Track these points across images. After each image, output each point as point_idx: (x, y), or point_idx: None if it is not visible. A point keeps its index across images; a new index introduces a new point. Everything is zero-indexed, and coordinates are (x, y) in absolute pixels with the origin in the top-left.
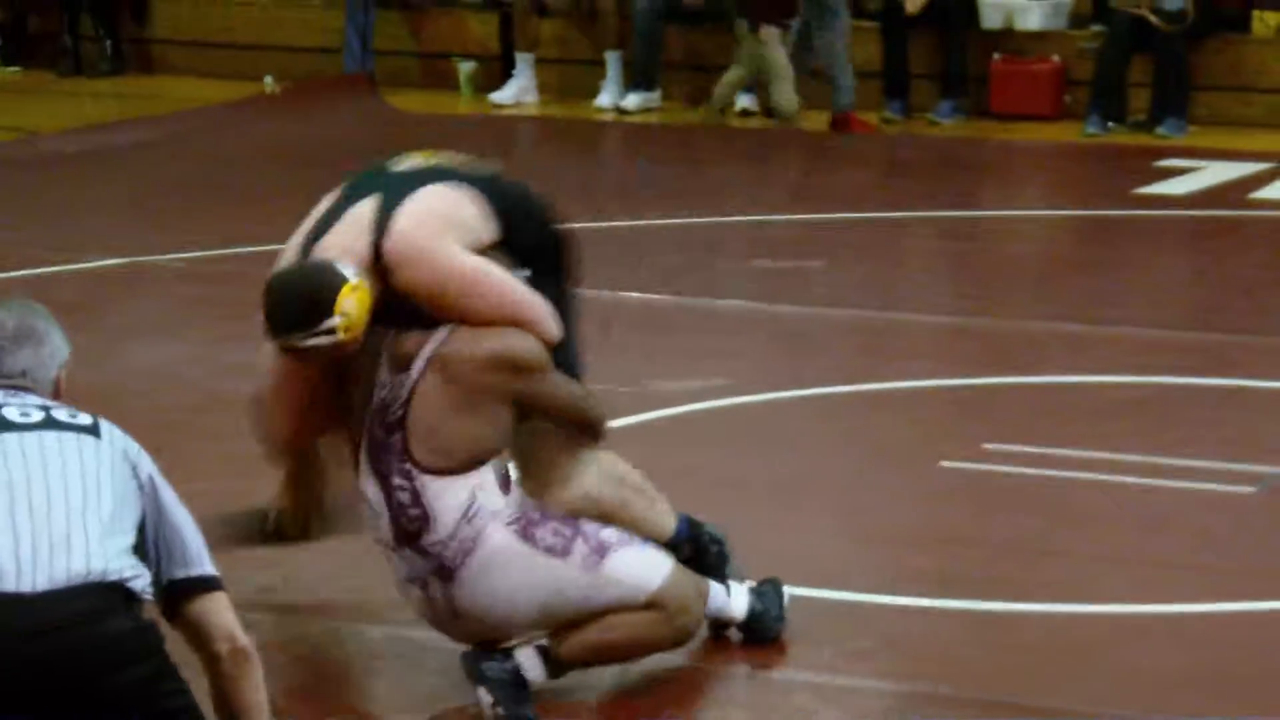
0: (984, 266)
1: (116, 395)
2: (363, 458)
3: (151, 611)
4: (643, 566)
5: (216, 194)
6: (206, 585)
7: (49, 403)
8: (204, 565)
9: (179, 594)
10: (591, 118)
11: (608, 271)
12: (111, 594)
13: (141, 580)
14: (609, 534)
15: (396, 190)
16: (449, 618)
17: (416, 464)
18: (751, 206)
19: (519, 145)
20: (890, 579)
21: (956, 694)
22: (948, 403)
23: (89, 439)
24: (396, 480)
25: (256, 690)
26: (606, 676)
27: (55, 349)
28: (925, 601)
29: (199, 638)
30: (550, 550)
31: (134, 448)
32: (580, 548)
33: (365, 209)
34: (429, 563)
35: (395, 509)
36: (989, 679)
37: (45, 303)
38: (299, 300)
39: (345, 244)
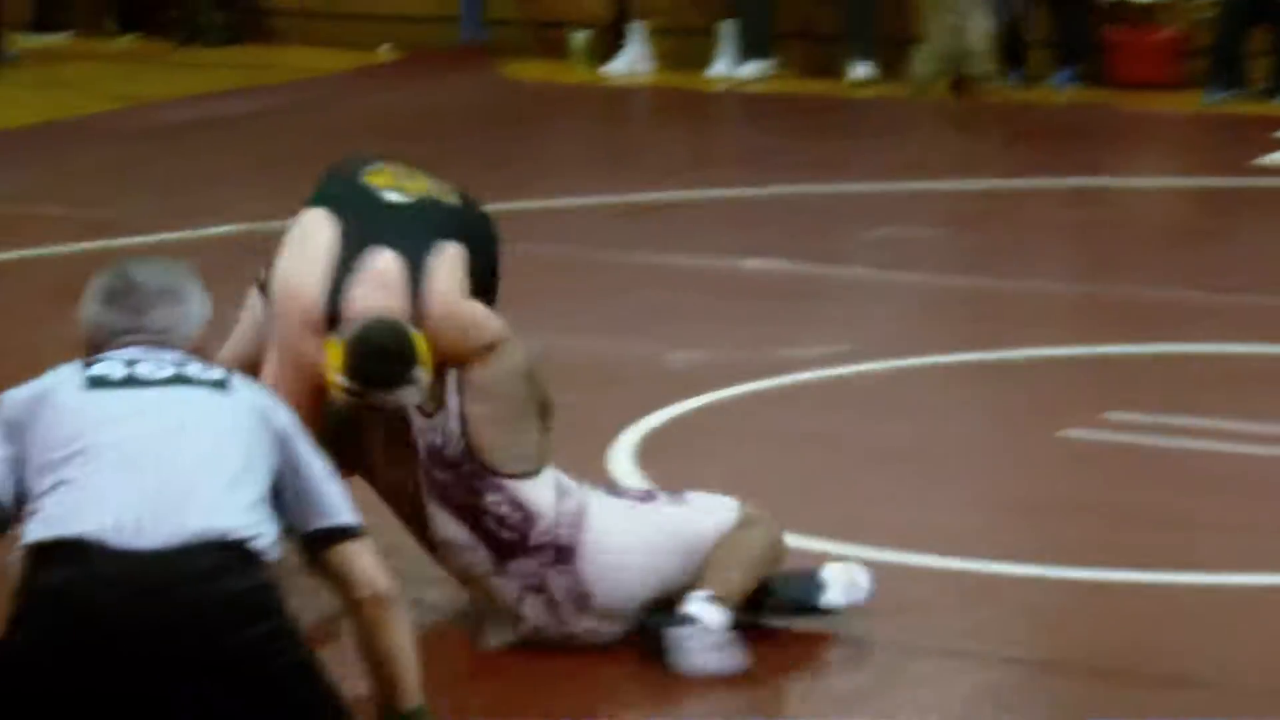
0: (1104, 235)
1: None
2: (432, 508)
3: (273, 570)
4: (714, 497)
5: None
6: (345, 534)
7: (183, 359)
8: (342, 514)
9: (318, 544)
10: (705, 88)
11: (726, 240)
12: (230, 552)
13: (263, 539)
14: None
15: (413, 246)
16: (579, 604)
17: (504, 475)
18: (871, 175)
19: (632, 115)
20: (1012, 547)
21: (1079, 662)
22: (1069, 371)
23: (218, 394)
24: (490, 498)
25: (399, 636)
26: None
27: (196, 308)
28: (1046, 570)
29: (341, 586)
30: (641, 499)
31: (266, 402)
32: (659, 494)
33: (389, 266)
34: (543, 556)
35: (490, 529)
36: (1112, 648)
37: None
38: (393, 355)
39: (386, 303)
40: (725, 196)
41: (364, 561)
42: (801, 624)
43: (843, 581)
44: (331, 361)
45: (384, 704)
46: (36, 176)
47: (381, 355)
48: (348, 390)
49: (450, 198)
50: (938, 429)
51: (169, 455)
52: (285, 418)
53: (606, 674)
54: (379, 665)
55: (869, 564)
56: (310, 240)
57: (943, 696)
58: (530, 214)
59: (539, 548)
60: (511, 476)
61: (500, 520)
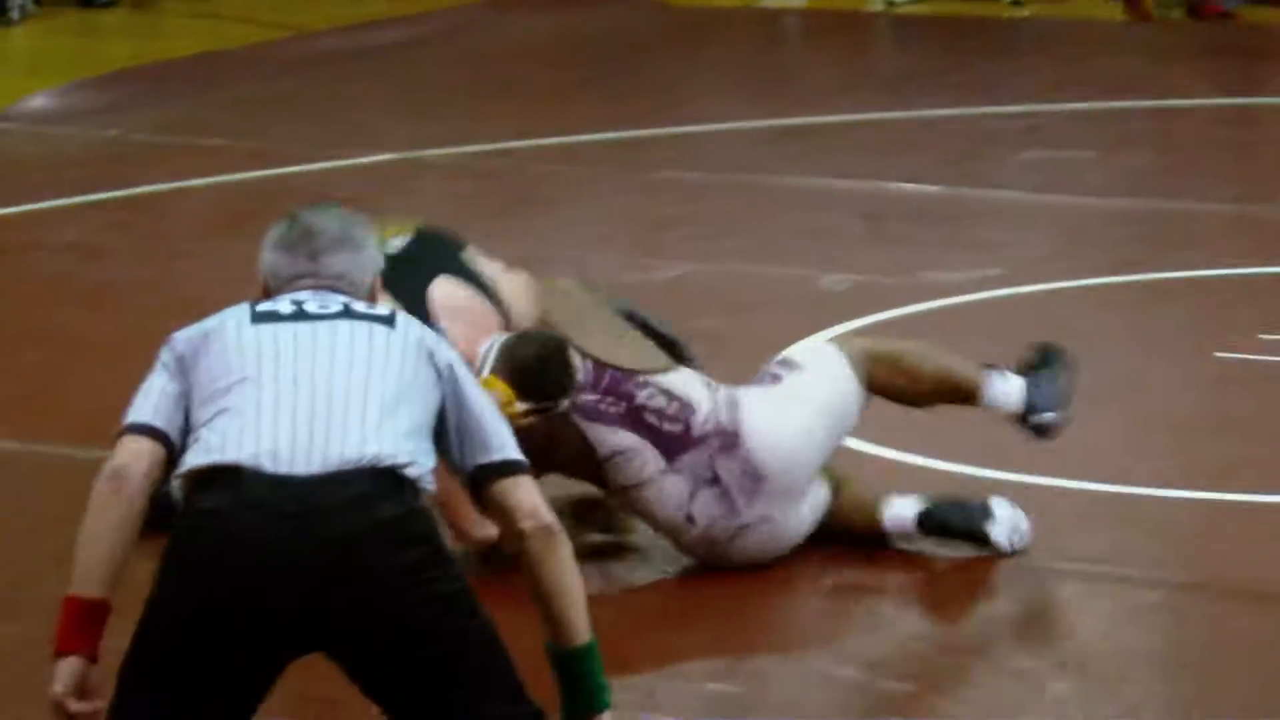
0: (1264, 155)
1: None
2: (594, 431)
3: (427, 499)
4: (811, 351)
5: (483, 90)
6: (510, 469)
7: (351, 299)
8: (506, 451)
9: (483, 480)
10: (859, 9)
11: (878, 163)
12: (384, 479)
13: (418, 467)
14: None
15: (440, 265)
16: (753, 488)
17: (641, 372)
18: (1024, 96)
19: (784, 38)
20: (1165, 470)
21: (1227, 584)
22: (1224, 292)
23: (382, 327)
24: (642, 394)
25: (563, 570)
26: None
27: (371, 256)
28: (1199, 493)
29: (505, 519)
30: (770, 382)
31: (431, 336)
32: (772, 371)
33: (448, 291)
34: (709, 446)
35: (652, 424)
36: (1260, 570)
37: (321, 198)
38: (554, 361)
39: (476, 324)
40: (878, 119)
41: (528, 494)
42: (946, 549)
43: (1009, 522)
44: (503, 396)
45: (552, 641)
46: (194, 107)
47: (545, 366)
48: (534, 412)
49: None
50: (1090, 352)
51: (326, 383)
52: (451, 354)
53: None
54: (545, 601)
55: (1020, 487)
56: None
57: (1091, 618)
58: (680, 138)
59: (704, 437)
60: (647, 372)
61: (659, 413)
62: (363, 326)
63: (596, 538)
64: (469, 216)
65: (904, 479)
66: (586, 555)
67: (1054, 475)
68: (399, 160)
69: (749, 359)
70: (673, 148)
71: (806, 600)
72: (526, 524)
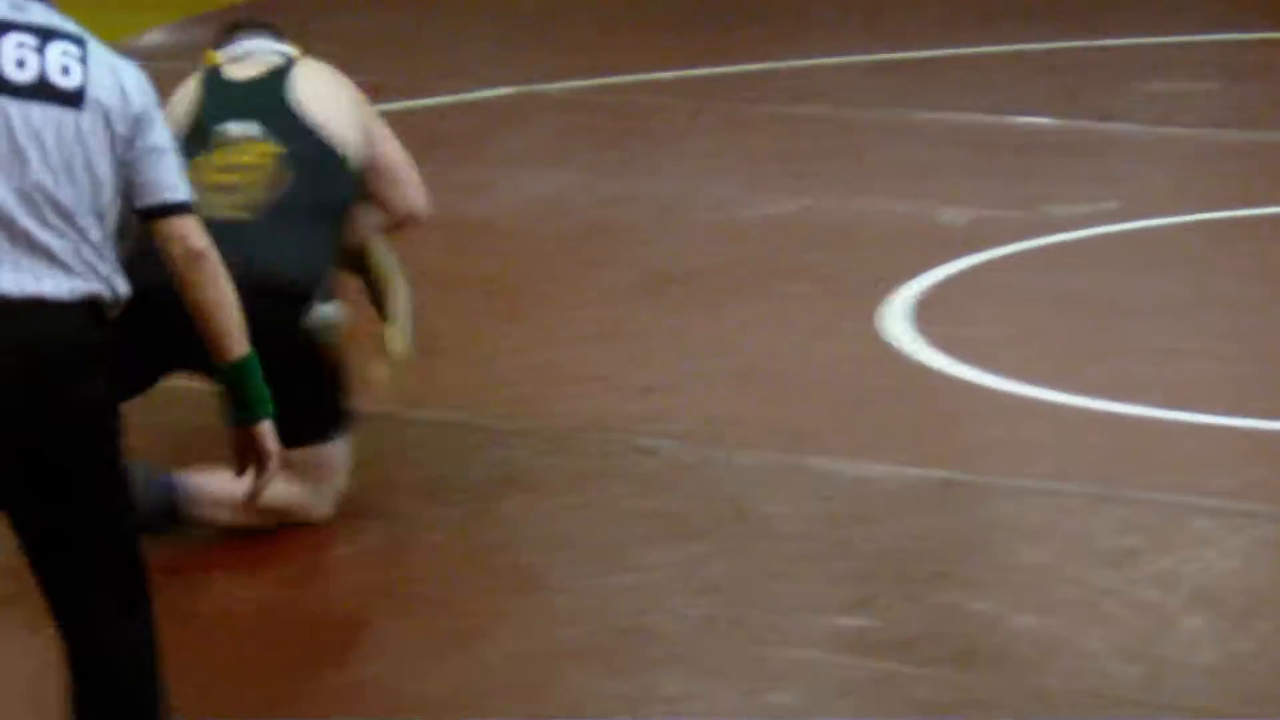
0: None
1: (502, 224)
2: None
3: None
4: None
5: (591, 23)
6: (174, 209)
7: (45, 21)
8: (170, 192)
9: (149, 222)
10: None
11: (991, 96)
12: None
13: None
14: None
15: None
16: None
17: None
18: (1141, 28)
19: None
20: None
21: None
22: None
23: (71, 115)
24: None
25: (213, 289)
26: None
27: None
28: None
29: (164, 252)
30: None
31: (117, 93)
32: None
33: None
34: None
35: None
36: None
37: (431, 134)
38: None
39: None
40: (989, 52)
41: (181, 224)
42: (1064, 483)
43: None
44: None
45: (215, 359)
46: (302, 42)
47: None
48: None
49: None
50: (1209, 286)
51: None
52: (140, 103)
53: None
54: (199, 319)
55: (1141, 422)
56: None
57: (1220, 552)
58: (790, 73)
59: None
60: None
61: None
62: (53, 116)
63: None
64: (579, 150)
65: (1037, 414)
66: None
67: (1184, 410)
68: (509, 95)
69: (868, 297)
70: (780, 82)
71: (930, 535)
72: (177, 250)
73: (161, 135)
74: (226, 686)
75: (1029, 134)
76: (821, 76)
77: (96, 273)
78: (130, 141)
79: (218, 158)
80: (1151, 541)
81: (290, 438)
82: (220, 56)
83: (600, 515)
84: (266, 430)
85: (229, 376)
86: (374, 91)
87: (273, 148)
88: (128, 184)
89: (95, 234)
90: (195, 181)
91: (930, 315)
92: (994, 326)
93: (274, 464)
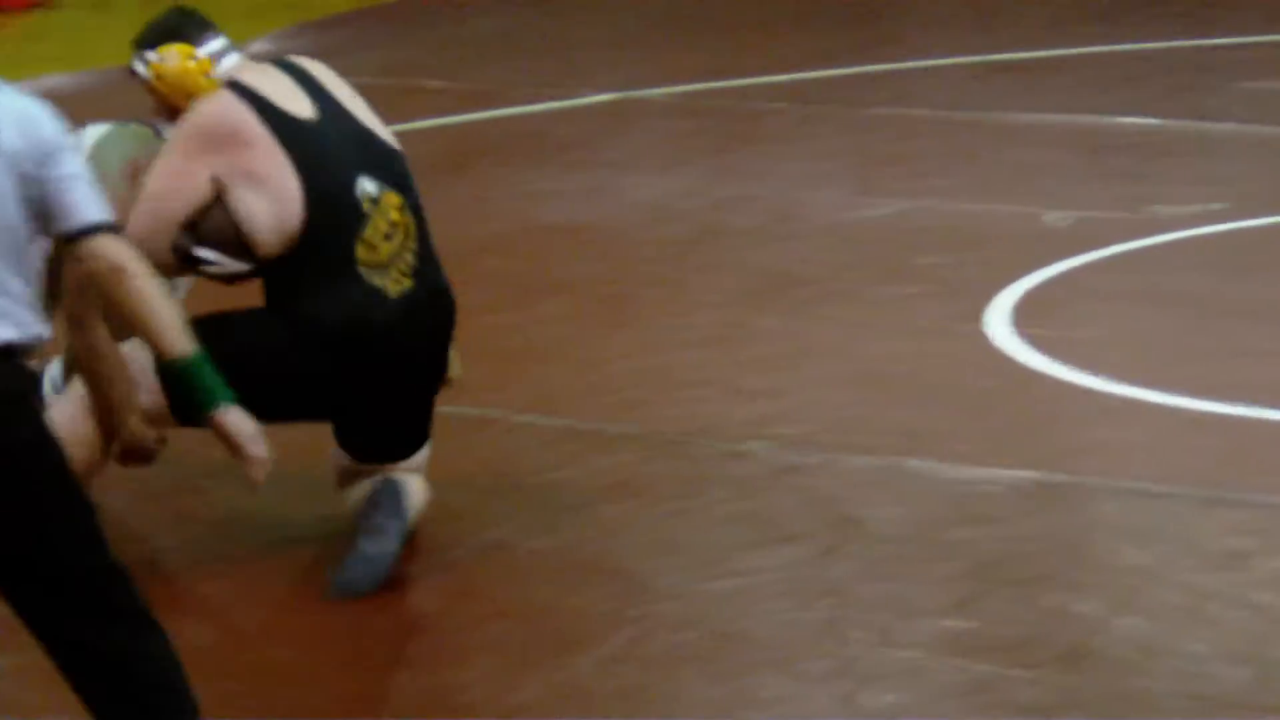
0: None
1: (612, 229)
2: None
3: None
4: None
5: (699, 27)
6: (94, 230)
7: None
8: (89, 214)
9: (68, 248)
10: None
11: (1096, 97)
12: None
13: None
14: None
15: None
16: None
17: None
18: (1247, 27)
19: None
20: None
21: None
22: None
23: None
24: None
25: (144, 297)
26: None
27: None
28: None
29: (86, 273)
30: None
31: (22, 137)
32: None
33: None
34: None
35: None
36: None
37: (543, 139)
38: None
39: None
40: (1094, 52)
41: (104, 244)
42: (1169, 485)
43: None
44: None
45: (161, 359)
46: (413, 49)
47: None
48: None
49: None
50: None
51: None
52: (49, 139)
53: None
54: (140, 328)
55: (1247, 423)
56: None
57: None
58: (896, 74)
59: None
60: None
61: None
62: None
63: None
64: (688, 154)
65: (1142, 416)
66: None
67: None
68: (617, 100)
69: (973, 298)
70: (889, 84)
71: (1033, 538)
72: (100, 266)
73: (73, 164)
74: (323, 689)
75: (1135, 135)
76: (931, 78)
77: (17, 319)
78: (39, 177)
79: (379, 223)
80: (1261, 544)
81: None
82: (235, 77)
83: (703, 520)
84: (229, 418)
85: (173, 373)
86: (483, 99)
87: (397, 196)
88: (44, 216)
89: (15, 283)
90: (372, 262)
91: (1036, 317)
92: (1099, 328)
93: (253, 447)
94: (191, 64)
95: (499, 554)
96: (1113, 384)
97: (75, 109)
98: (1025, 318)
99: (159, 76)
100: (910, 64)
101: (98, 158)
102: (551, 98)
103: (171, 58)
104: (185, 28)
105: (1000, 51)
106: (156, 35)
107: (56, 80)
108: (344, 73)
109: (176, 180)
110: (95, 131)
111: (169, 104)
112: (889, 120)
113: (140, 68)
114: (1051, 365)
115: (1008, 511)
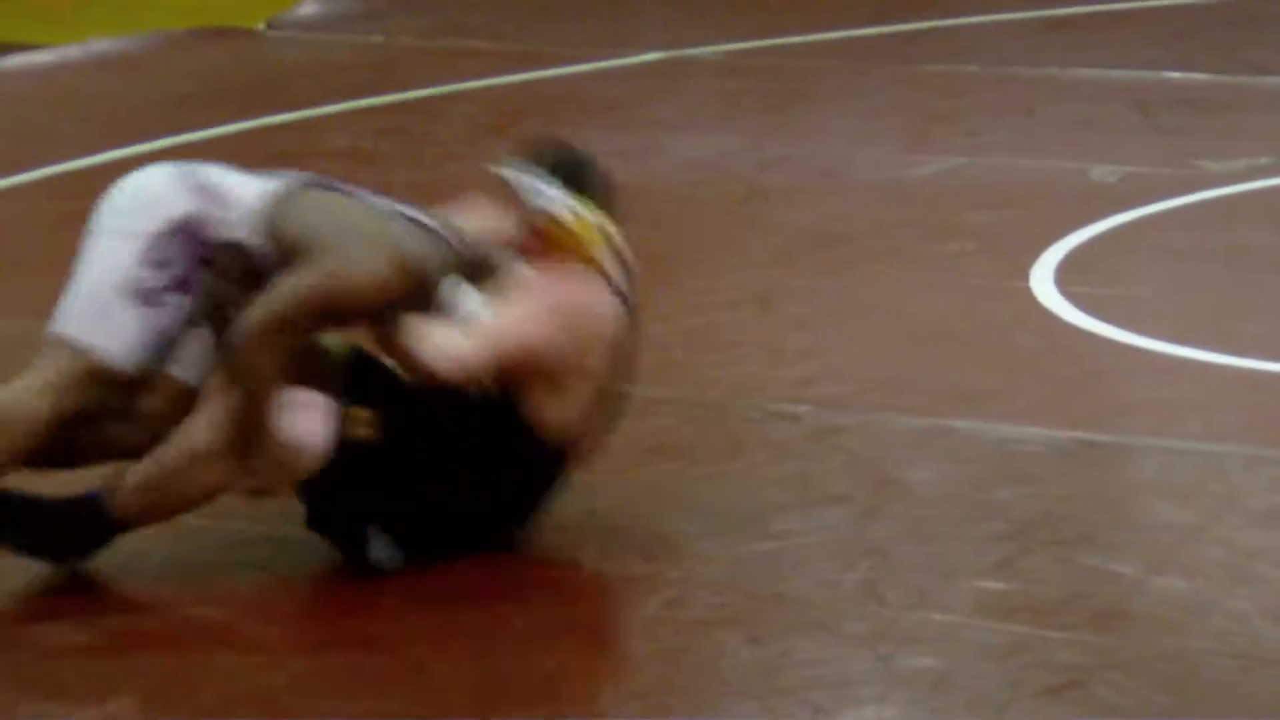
0: None
1: (659, 189)
2: None
3: None
4: None
5: None
6: None
7: None
8: None
9: None
10: None
11: (1146, 52)
12: None
13: None
14: None
15: None
16: None
17: None
18: None
19: None
20: None
21: None
22: None
23: None
24: None
25: None
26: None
27: None
28: None
29: None
30: None
31: None
32: None
33: None
34: None
35: None
36: None
37: (588, 100)
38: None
39: None
40: (1143, 7)
41: None
42: (1215, 443)
43: None
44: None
45: None
46: (457, 10)
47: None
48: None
49: None
50: None
51: None
52: None
53: None
54: None
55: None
56: None
57: None
58: (946, 31)
59: None
60: None
61: None
62: None
63: None
64: (736, 113)
65: (1188, 374)
66: None
67: None
68: (666, 59)
69: (1020, 255)
70: (938, 41)
71: (1076, 497)
72: None
73: None
74: (370, 652)
75: (1184, 89)
76: (981, 34)
77: None
78: None
79: None
80: (1262, 501)
81: None
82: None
83: (743, 482)
84: None
85: None
86: (530, 59)
87: None
88: None
89: None
90: None
91: (1082, 275)
92: (1145, 285)
93: None
94: (590, 231)
95: (539, 519)
96: (1159, 342)
97: (123, 73)
98: (1072, 275)
99: (556, 224)
100: (961, 20)
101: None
102: (598, 58)
103: (579, 215)
104: (594, 183)
105: (1051, 7)
106: (573, 178)
107: (104, 44)
108: (389, 34)
109: (521, 334)
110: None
111: (534, 247)
112: (939, 77)
113: (538, 200)
114: (1097, 323)
115: (1050, 471)
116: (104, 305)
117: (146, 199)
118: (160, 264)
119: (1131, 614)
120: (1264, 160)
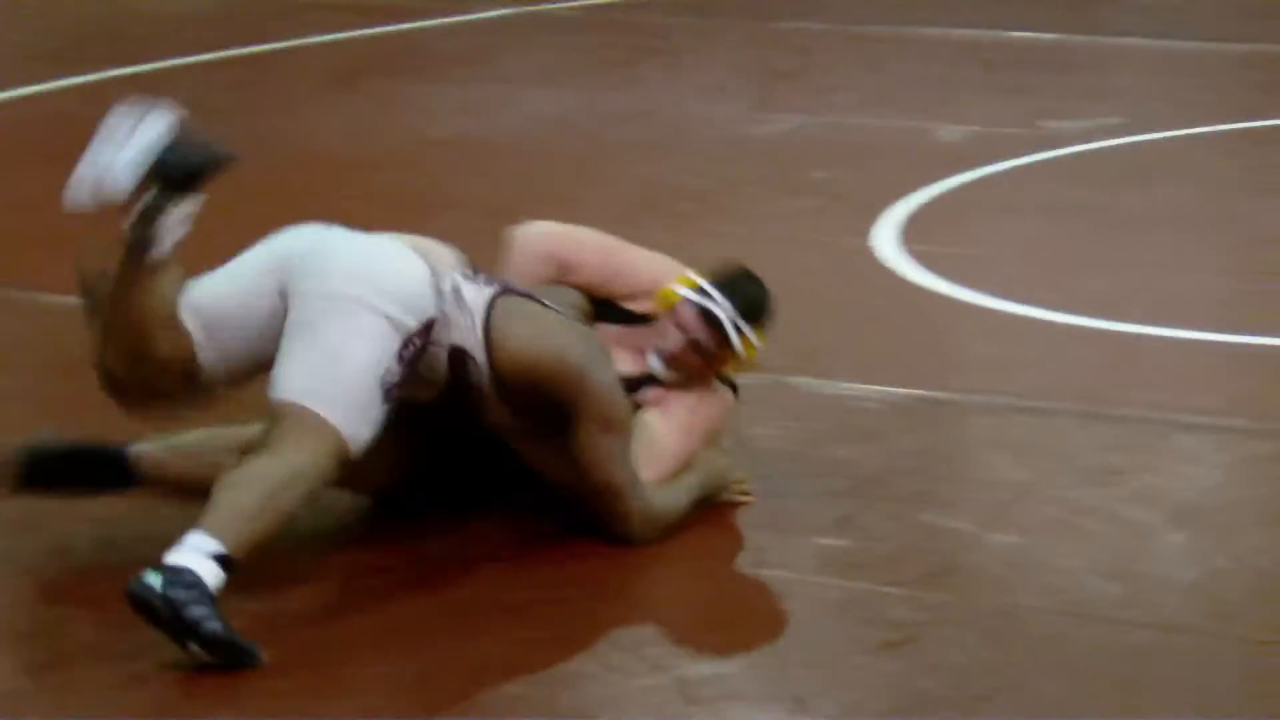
0: None
1: (503, 144)
2: None
3: None
4: None
5: None
6: None
7: None
8: None
9: None
10: None
11: (995, 11)
12: None
13: None
14: None
15: None
16: None
17: None
18: None
19: None
20: (1276, 319)
21: None
22: None
23: None
24: None
25: None
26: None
27: None
28: None
29: None
30: None
31: None
32: None
33: None
34: None
35: None
36: None
37: (434, 54)
38: None
39: None
40: None
41: None
42: (1052, 400)
43: None
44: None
45: None
46: None
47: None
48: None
49: None
50: (1207, 200)
51: None
52: None
53: None
54: None
55: (1130, 338)
56: None
57: (1204, 469)
58: None
59: None
60: None
61: None
62: None
63: None
64: (585, 69)
65: (1026, 331)
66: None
67: (1171, 326)
68: (517, 15)
69: (863, 212)
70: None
71: (913, 454)
72: None
73: None
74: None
75: (1031, 49)
76: None
77: None
78: None
79: None
80: (1135, 459)
81: None
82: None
83: None
84: None
85: None
86: (380, 13)
87: None
88: None
89: None
90: None
91: (925, 233)
92: (987, 243)
93: None
94: (754, 356)
95: None
96: (998, 300)
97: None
98: (914, 233)
99: (728, 351)
100: None
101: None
102: (452, 12)
103: (750, 343)
104: (767, 310)
105: None
106: (760, 311)
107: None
108: None
109: (680, 457)
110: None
111: (693, 362)
112: (789, 34)
113: (731, 331)
114: (939, 281)
115: (890, 428)
116: (368, 399)
117: (411, 291)
118: (407, 363)
119: (965, 570)
120: (1110, 120)
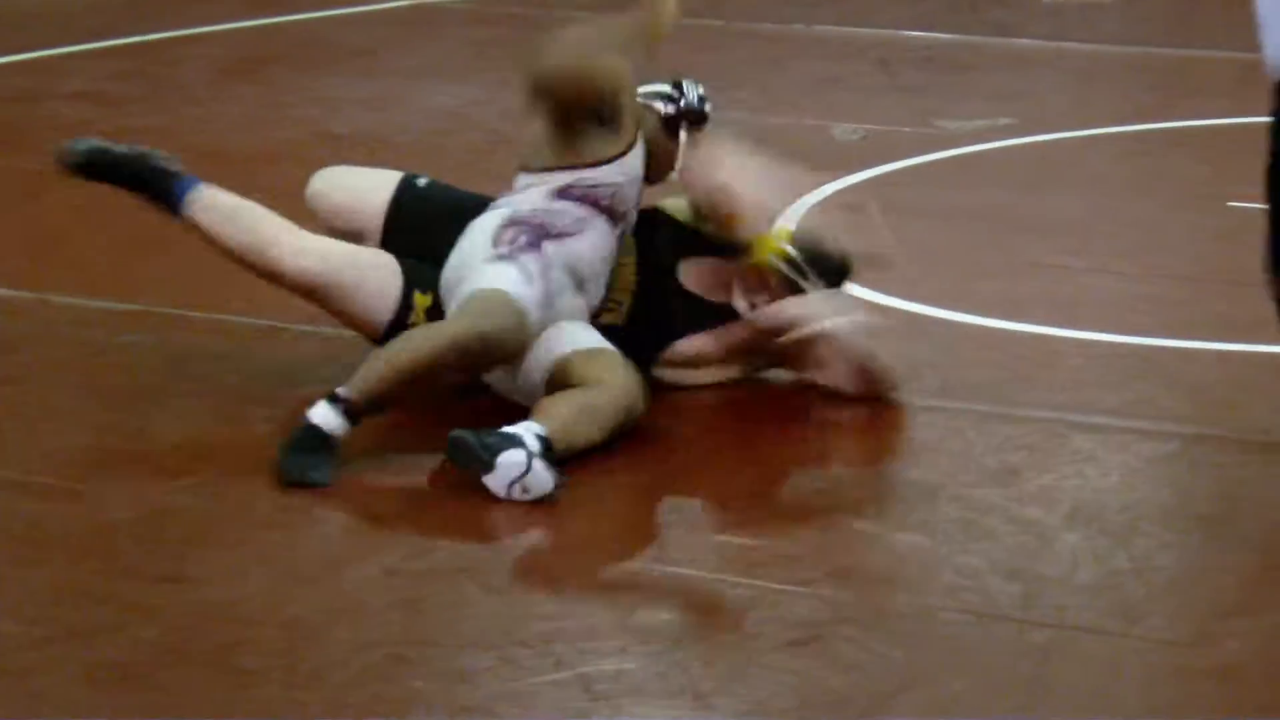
0: None
1: (402, 140)
2: None
3: None
4: None
5: None
6: None
7: None
8: None
9: None
10: None
11: (891, 10)
12: None
13: None
14: None
15: None
16: None
17: None
18: None
19: None
20: (1176, 321)
21: (1239, 436)
22: (1239, 142)
23: None
24: None
25: None
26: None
27: None
28: (1210, 344)
29: None
30: None
31: None
32: None
33: None
34: None
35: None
36: (1272, 421)
37: (331, 47)
38: None
39: None
40: None
41: None
42: (951, 400)
43: None
44: None
45: None
46: None
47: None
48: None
49: None
50: (1103, 201)
51: None
52: None
53: None
54: None
55: (1028, 339)
56: None
57: (1102, 469)
58: None
59: None
60: None
61: None
62: None
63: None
64: (484, 63)
65: (923, 331)
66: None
67: (1068, 328)
68: (412, 7)
69: None
70: None
71: (806, 451)
72: None
73: None
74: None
75: (928, 48)
76: None
77: None
78: None
79: None
80: (1034, 459)
81: None
82: None
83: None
84: None
85: None
86: (276, 4)
87: None
88: None
89: None
90: None
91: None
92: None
93: None
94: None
95: None
96: (895, 300)
97: None
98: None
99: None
100: None
101: None
102: (343, 4)
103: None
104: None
105: None
106: (840, 282)
107: None
108: None
109: None
110: None
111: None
112: (685, 31)
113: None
114: None
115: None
116: None
117: None
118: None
119: (869, 569)
120: (1004, 121)
